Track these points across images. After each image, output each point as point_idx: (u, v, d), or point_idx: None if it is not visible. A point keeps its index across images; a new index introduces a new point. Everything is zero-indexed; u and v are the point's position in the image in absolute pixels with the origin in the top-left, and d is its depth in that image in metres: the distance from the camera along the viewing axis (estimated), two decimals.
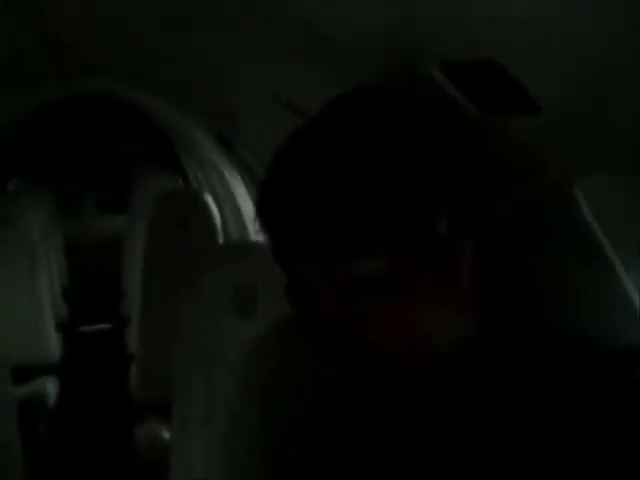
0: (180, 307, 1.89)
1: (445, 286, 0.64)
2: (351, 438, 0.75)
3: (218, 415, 1.67)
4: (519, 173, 0.73)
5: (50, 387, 3.41)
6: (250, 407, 0.98)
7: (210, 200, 3.24)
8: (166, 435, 2.68)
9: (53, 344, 3.67)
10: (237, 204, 3.80)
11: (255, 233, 3.61)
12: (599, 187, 0.67)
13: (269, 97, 1.69)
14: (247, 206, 3.68)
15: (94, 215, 5.55)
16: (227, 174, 3.86)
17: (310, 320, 0.66)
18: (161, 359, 2.92)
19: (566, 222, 0.73)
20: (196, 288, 1.80)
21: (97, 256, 5.20)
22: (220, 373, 1.69)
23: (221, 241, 3.14)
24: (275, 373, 0.95)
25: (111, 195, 5.53)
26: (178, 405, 1.75)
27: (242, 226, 3.73)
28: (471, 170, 0.70)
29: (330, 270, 0.63)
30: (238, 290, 1.73)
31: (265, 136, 2.19)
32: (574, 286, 0.72)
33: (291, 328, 1.00)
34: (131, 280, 4.14)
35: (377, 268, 0.61)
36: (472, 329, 0.66)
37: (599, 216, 0.69)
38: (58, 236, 4.68)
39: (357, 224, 0.62)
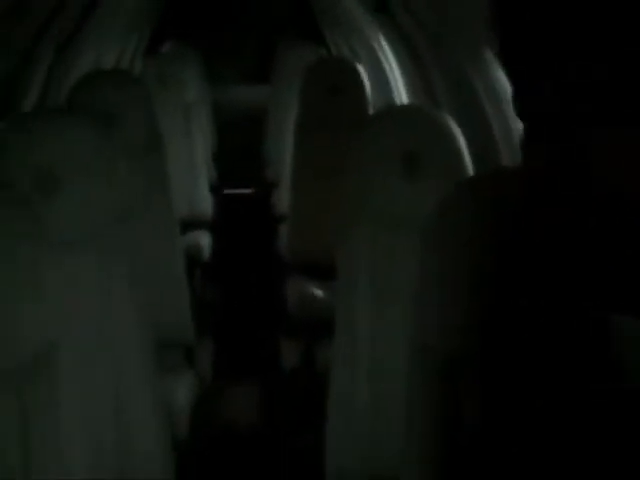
0: (345, 170, 1.92)
1: None
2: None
3: (383, 274, 1.73)
4: None
5: (205, 241, 3.64)
6: (438, 263, 0.98)
7: (360, 68, 3.24)
8: (317, 293, 2.83)
9: (207, 202, 3.88)
10: (385, 74, 3.76)
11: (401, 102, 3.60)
12: None
13: None
14: (395, 75, 3.64)
15: (238, 84, 5.64)
16: (376, 44, 3.80)
17: None
18: (311, 223, 3.06)
19: None
20: (363, 152, 1.82)
21: (241, 124, 5.32)
22: (387, 233, 1.74)
23: (370, 109, 3.15)
24: (468, 230, 0.95)
25: (254, 65, 5.57)
26: (343, 265, 1.78)
27: (389, 97, 3.71)
28: None
29: None
30: (405, 154, 1.75)
31: None
32: None
33: (486, 185, 0.99)
34: (277, 148, 4.25)
35: None
36: None
37: None
38: (208, 100, 4.80)
39: None
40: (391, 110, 2.42)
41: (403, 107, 2.89)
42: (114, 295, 1.60)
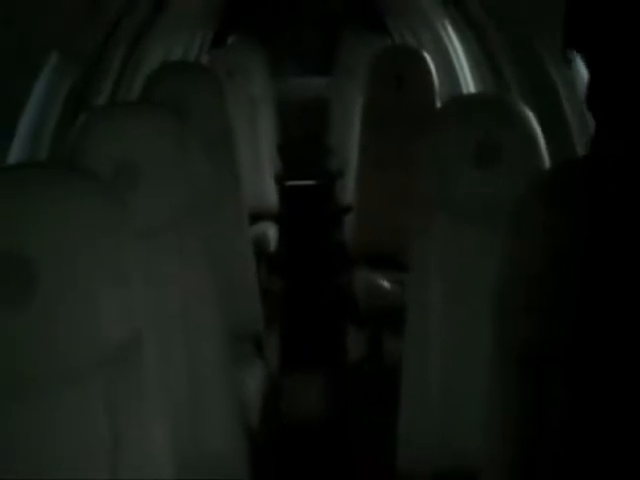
0: (416, 161, 1.89)
1: None
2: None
3: (457, 266, 1.71)
4: None
5: (271, 233, 3.67)
6: (517, 262, 0.96)
7: (427, 57, 3.21)
8: (384, 284, 2.83)
9: (273, 193, 3.92)
10: (452, 62, 3.71)
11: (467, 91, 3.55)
12: None
13: None
14: (462, 65, 3.59)
15: (301, 75, 5.66)
16: (442, 32, 3.76)
17: None
18: (376, 214, 3.05)
19: None
20: (436, 142, 1.79)
21: (304, 116, 5.34)
22: (461, 224, 1.71)
23: (437, 99, 3.12)
24: (547, 228, 0.91)
25: (317, 56, 5.58)
26: (416, 256, 1.77)
27: (456, 85, 3.66)
28: None
29: None
30: (481, 143, 1.71)
31: None
32: None
33: (563, 180, 0.96)
34: (341, 138, 4.25)
35: None
36: None
37: None
38: (273, 92, 4.84)
39: None
40: (465, 98, 2.38)
41: (477, 95, 2.84)
42: (193, 285, 1.63)
